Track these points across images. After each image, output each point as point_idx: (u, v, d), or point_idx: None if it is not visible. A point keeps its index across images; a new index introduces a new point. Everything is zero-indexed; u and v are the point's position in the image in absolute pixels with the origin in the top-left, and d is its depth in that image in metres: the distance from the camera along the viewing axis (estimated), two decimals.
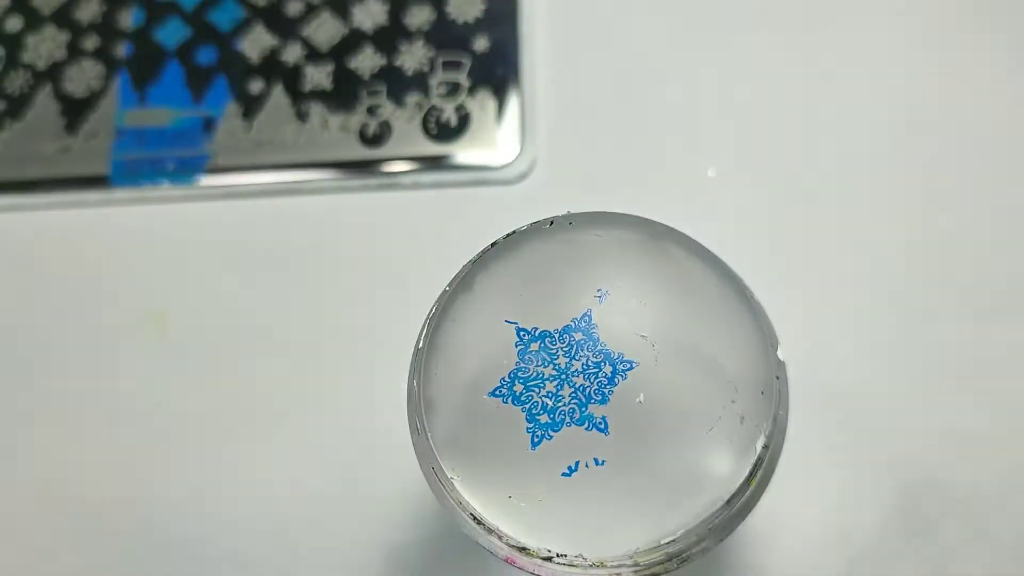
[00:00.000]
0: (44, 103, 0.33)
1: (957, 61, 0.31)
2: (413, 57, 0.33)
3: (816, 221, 0.30)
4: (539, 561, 0.19)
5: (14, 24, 0.34)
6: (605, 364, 0.20)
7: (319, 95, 0.32)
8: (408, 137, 0.32)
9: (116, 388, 0.30)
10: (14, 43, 0.34)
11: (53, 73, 0.34)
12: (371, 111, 0.32)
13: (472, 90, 0.32)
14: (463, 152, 0.31)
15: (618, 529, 0.19)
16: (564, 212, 0.22)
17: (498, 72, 0.32)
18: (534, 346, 0.20)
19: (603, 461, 0.19)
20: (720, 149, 0.31)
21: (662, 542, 0.19)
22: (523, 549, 0.19)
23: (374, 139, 0.32)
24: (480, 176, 0.31)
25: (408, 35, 0.33)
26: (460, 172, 0.31)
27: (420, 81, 0.32)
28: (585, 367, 0.20)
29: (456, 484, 0.20)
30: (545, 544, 0.19)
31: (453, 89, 0.32)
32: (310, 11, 0.34)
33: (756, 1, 0.33)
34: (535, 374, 0.20)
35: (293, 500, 0.28)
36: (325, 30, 0.33)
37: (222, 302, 0.31)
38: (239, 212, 0.32)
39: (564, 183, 0.31)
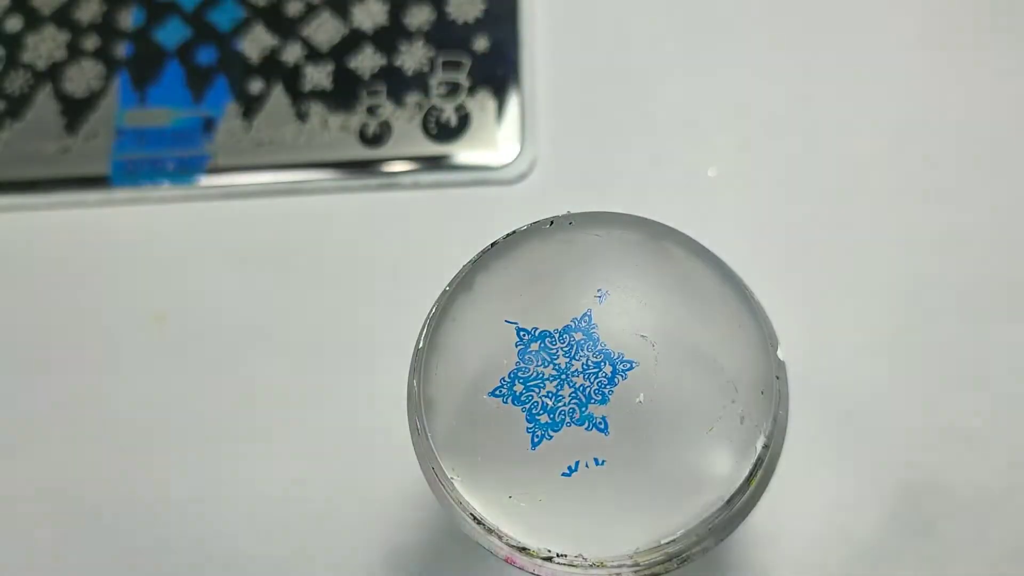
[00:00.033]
0: (44, 103, 0.33)
1: (957, 61, 0.31)
2: (413, 57, 0.33)
3: (816, 221, 0.30)
4: (539, 561, 0.19)
5: (14, 24, 0.34)
6: (605, 364, 0.20)
7: (319, 95, 0.32)
8: (408, 137, 0.32)
9: (116, 388, 0.30)
10: (14, 43, 0.34)
11: (53, 73, 0.34)
12: (371, 111, 0.32)
13: (472, 90, 0.32)
14: (463, 152, 0.31)
15: (618, 529, 0.19)
16: (564, 212, 0.22)
17: (498, 72, 0.32)
18: (534, 346, 0.20)
19: (603, 461, 0.19)
20: (720, 149, 0.31)
21: (662, 542, 0.19)
22: (523, 549, 0.19)
23: (374, 139, 0.32)
24: (480, 176, 0.31)
25: (408, 35, 0.33)
26: (460, 172, 0.31)
27: (420, 81, 0.32)
28: (585, 367, 0.20)
29: (456, 484, 0.20)
30: (545, 544, 0.19)
31: (453, 89, 0.32)
32: (310, 11, 0.34)
33: (757, 1, 0.33)
34: (535, 374, 0.20)
35: (293, 500, 0.28)
36: (325, 30, 0.33)
37: (222, 302, 0.31)
38: (239, 212, 0.32)
39: (564, 183, 0.31)
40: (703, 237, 0.21)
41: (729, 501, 0.19)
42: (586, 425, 0.19)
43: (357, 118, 0.32)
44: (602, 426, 0.19)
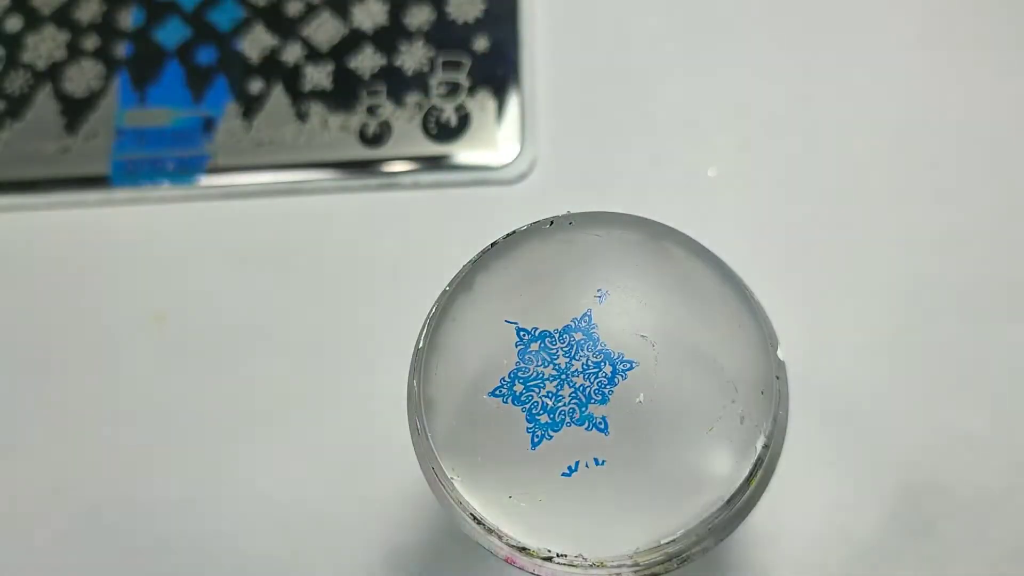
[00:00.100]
0: (44, 103, 0.33)
1: (957, 61, 0.31)
2: (413, 57, 0.33)
3: (816, 221, 0.30)
4: (539, 561, 0.19)
5: (14, 24, 0.34)
6: (605, 364, 0.20)
7: (319, 95, 0.32)
8: (408, 137, 0.32)
9: (116, 388, 0.30)
10: (14, 43, 0.34)
11: (53, 73, 0.34)
12: (371, 111, 0.32)
13: (472, 90, 0.32)
14: (463, 152, 0.31)
15: (618, 529, 0.19)
16: (564, 212, 0.22)
17: (498, 72, 0.32)
18: (534, 346, 0.20)
19: (603, 461, 0.19)
20: (720, 149, 0.31)
21: (662, 542, 0.19)
22: (523, 549, 0.19)
23: (374, 139, 0.32)
24: (480, 176, 0.31)
25: (408, 35, 0.33)
26: (460, 172, 0.31)
27: (420, 81, 0.32)
28: (585, 367, 0.20)
29: (456, 484, 0.20)
30: (545, 544, 0.19)
31: (453, 89, 0.32)
32: (310, 11, 0.34)
33: (757, 1, 0.33)
34: (535, 374, 0.20)
35: (293, 500, 0.28)
36: (325, 30, 0.33)
37: (222, 302, 0.31)
38: (239, 212, 0.32)
39: (564, 183, 0.31)
40: (703, 237, 0.21)
41: (729, 501, 0.19)
42: (586, 425, 0.19)
43: (357, 118, 0.32)
44: (602, 426, 0.19)
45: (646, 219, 0.21)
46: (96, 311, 0.31)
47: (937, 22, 0.32)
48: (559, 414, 0.19)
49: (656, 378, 0.19)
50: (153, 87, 0.33)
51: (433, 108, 0.32)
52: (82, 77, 0.33)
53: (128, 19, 0.34)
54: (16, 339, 0.31)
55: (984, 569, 0.26)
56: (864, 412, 0.28)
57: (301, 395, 0.29)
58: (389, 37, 0.33)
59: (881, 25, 0.32)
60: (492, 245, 0.21)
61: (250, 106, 0.32)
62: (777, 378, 0.20)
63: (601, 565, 0.19)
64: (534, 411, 0.19)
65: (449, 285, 0.21)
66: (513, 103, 0.32)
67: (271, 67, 0.33)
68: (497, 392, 0.20)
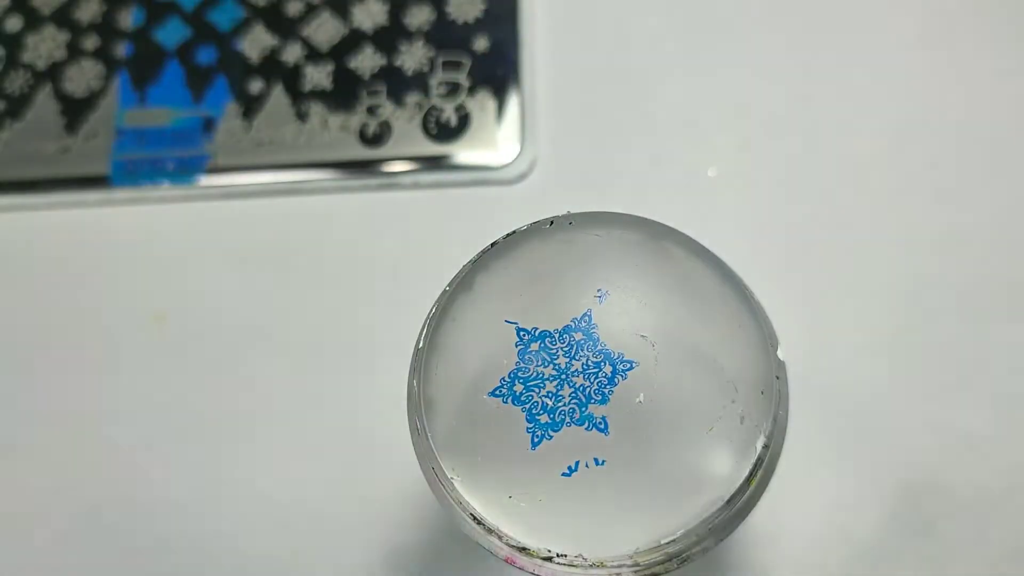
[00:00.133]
0: (44, 103, 0.33)
1: (957, 61, 0.31)
2: (413, 57, 0.33)
3: (816, 221, 0.30)
4: (539, 561, 0.19)
5: (14, 24, 0.34)
6: (605, 364, 0.20)
7: (319, 95, 0.32)
8: (408, 137, 0.32)
9: (116, 388, 0.30)
10: (14, 43, 0.34)
11: (53, 73, 0.34)
12: (371, 111, 0.32)
13: (472, 90, 0.32)
14: (463, 152, 0.31)
15: (618, 529, 0.19)
16: (564, 212, 0.22)
17: (498, 72, 0.32)
18: (534, 346, 0.20)
19: (603, 461, 0.19)
20: (720, 149, 0.31)
21: (662, 542, 0.19)
22: (523, 549, 0.19)
23: (374, 139, 0.32)
24: (480, 176, 0.31)
25: (408, 35, 0.33)
26: (460, 172, 0.31)
27: (420, 81, 0.32)
28: (585, 367, 0.20)
29: (456, 484, 0.20)
30: (545, 544, 0.19)
31: (453, 89, 0.32)
32: (310, 11, 0.34)
33: (757, 1, 0.33)
34: (535, 374, 0.20)
35: (293, 500, 0.28)
36: (325, 30, 0.33)
37: (222, 302, 0.31)
38: (239, 212, 0.32)
39: (564, 183, 0.31)
40: (703, 237, 0.21)
41: (729, 501, 0.19)
42: (586, 425, 0.19)
43: (357, 118, 0.32)
44: (602, 426, 0.19)
45: (646, 219, 0.21)
46: (96, 311, 0.31)
47: (937, 22, 0.32)
48: (559, 414, 0.19)
49: (656, 378, 0.19)
50: (153, 87, 0.33)
51: (433, 108, 0.32)
52: (82, 77, 0.33)
53: (128, 19, 0.34)
54: (16, 339, 0.31)
55: (984, 569, 0.26)
56: (864, 412, 0.28)
57: (301, 395, 0.29)
58: (389, 37, 0.33)
59: (881, 25, 0.32)
60: (492, 245, 0.21)
61: (250, 106, 0.32)
62: (777, 378, 0.20)
63: (601, 565, 0.19)
64: (534, 411, 0.19)
65: (449, 285, 0.21)
66: (513, 103, 0.32)
67: (271, 67, 0.33)
68: (497, 392, 0.20)
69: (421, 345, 0.21)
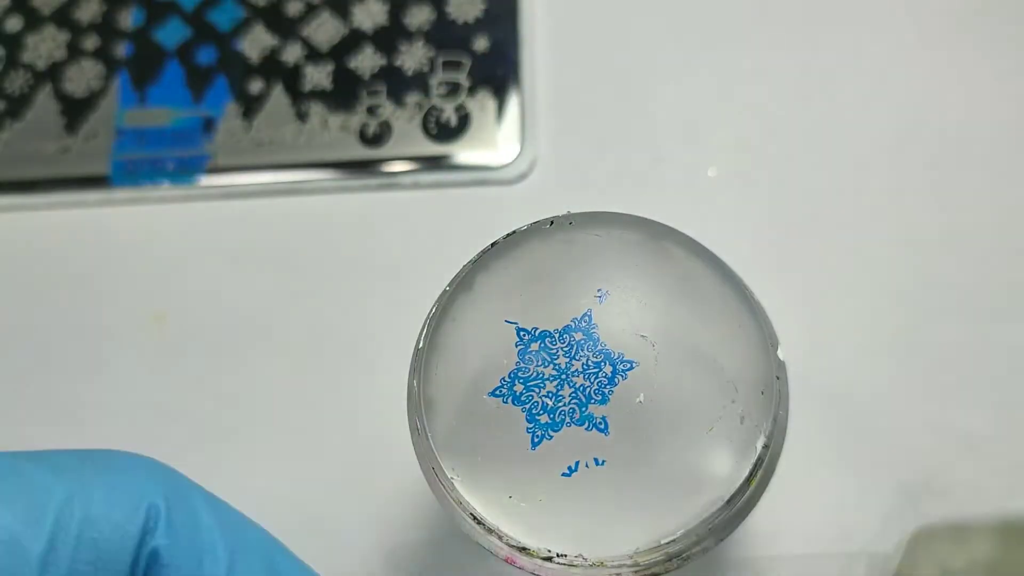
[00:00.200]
0: (44, 103, 0.33)
1: (957, 61, 0.31)
2: (413, 57, 0.33)
3: (816, 221, 0.30)
4: (539, 561, 0.19)
5: (14, 24, 0.34)
6: (605, 364, 0.20)
7: (319, 95, 0.32)
8: (408, 137, 0.32)
9: (116, 388, 0.30)
10: (14, 43, 0.34)
11: (53, 73, 0.34)
12: (371, 111, 0.32)
13: (472, 90, 0.32)
14: (463, 152, 0.31)
15: (618, 529, 0.19)
16: (564, 212, 0.22)
17: (498, 72, 0.32)
18: (534, 346, 0.20)
19: (603, 461, 0.19)
20: (720, 149, 0.31)
21: (662, 542, 0.19)
22: (523, 549, 0.19)
23: (374, 139, 0.32)
24: (480, 176, 0.31)
25: (408, 35, 0.33)
26: (460, 172, 0.31)
27: (420, 81, 0.32)
28: (585, 367, 0.20)
29: (456, 484, 0.20)
30: (545, 544, 0.19)
31: (453, 89, 0.32)
32: (310, 11, 0.34)
33: (756, 1, 0.33)
34: (535, 374, 0.20)
35: (293, 500, 0.28)
36: (325, 30, 0.33)
37: (222, 302, 0.31)
38: (239, 212, 0.32)
39: (564, 183, 0.31)
40: (703, 237, 0.21)
41: (729, 501, 0.19)
42: (586, 425, 0.19)
43: (357, 118, 0.32)
44: (602, 426, 0.19)
45: (646, 219, 0.21)
46: (96, 311, 0.31)
47: (937, 22, 0.32)
48: (559, 414, 0.19)
49: (656, 378, 0.19)
50: (153, 87, 0.33)
51: (433, 108, 0.32)
52: (82, 77, 0.33)
53: (128, 19, 0.34)
54: (16, 339, 0.31)
55: None
56: (864, 412, 0.28)
57: (301, 395, 0.29)
58: (389, 37, 0.33)
59: (881, 25, 0.32)
60: (492, 245, 0.21)
61: (250, 106, 0.32)
62: (777, 378, 0.20)
63: (601, 565, 0.19)
64: (534, 411, 0.19)
65: (449, 285, 0.21)
66: (513, 103, 0.32)
67: (271, 67, 0.33)
68: (497, 392, 0.20)
69: (421, 345, 0.21)
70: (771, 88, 0.31)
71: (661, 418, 0.19)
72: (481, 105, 0.32)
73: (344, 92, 0.32)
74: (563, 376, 0.20)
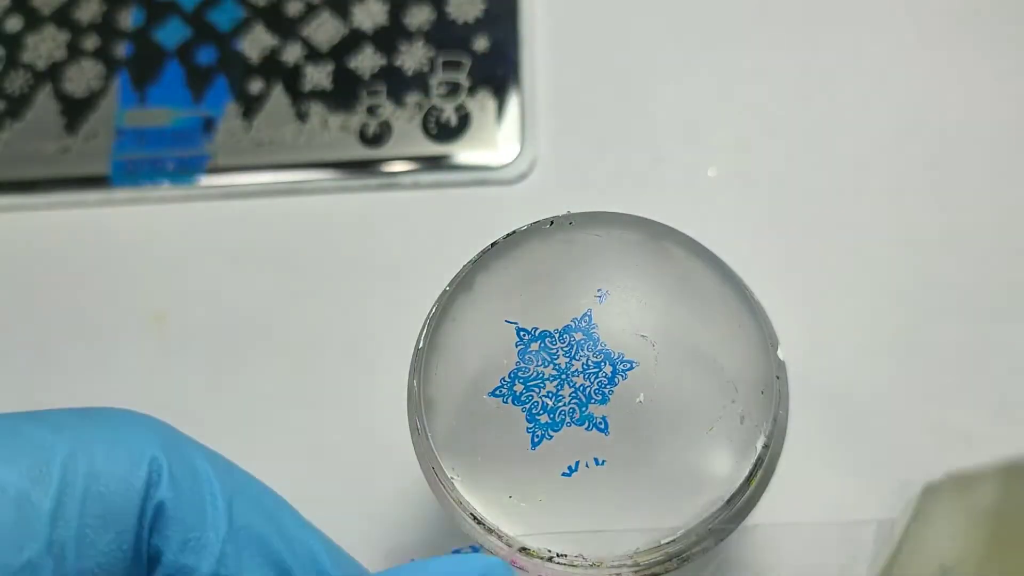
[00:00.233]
0: (44, 103, 0.33)
1: (957, 61, 0.31)
2: (413, 57, 0.33)
3: (816, 221, 0.30)
4: (540, 561, 0.19)
5: (14, 24, 0.34)
6: (605, 364, 0.20)
7: (319, 95, 0.32)
8: (408, 137, 0.32)
9: (116, 388, 0.30)
10: (14, 43, 0.34)
11: (53, 73, 0.34)
12: (371, 111, 0.32)
13: (472, 90, 0.32)
14: (463, 152, 0.31)
15: (618, 529, 0.19)
16: (564, 212, 0.22)
17: (498, 72, 0.32)
18: (534, 346, 0.20)
19: (603, 461, 0.19)
20: (720, 149, 0.31)
21: (662, 542, 0.19)
22: (523, 549, 0.19)
23: (374, 139, 0.32)
24: (480, 176, 0.31)
25: (408, 35, 0.33)
26: (460, 172, 0.31)
27: (420, 81, 0.32)
28: (585, 367, 0.20)
29: (456, 484, 0.20)
30: (545, 544, 0.19)
31: (453, 89, 0.32)
32: (310, 11, 0.34)
33: (756, 1, 0.33)
34: (535, 374, 0.20)
35: (293, 500, 0.28)
36: (325, 30, 0.33)
37: (222, 302, 0.31)
38: (239, 212, 0.32)
39: (564, 183, 0.31)
40: (703, 237, 0.21)
41: (729, 501, 0.19)
42: (586, 425, 0.19)
43: (357, 118, 0.32)
44: (602, 426, 0.19)
45: (646, 219, 0.21)
46: (96, 311, 0.31)
47: (937, 22, 0.32)
48: (559, 414, 0.19)
49: (656, 378, 0.19)
50: (153, 87, 0.33)
51: (433, 108, 0.32)
52: (82, 77, 0.33)
53: (128, 19, 0.34)
54: (16, 339, 0.31)
55: None
56: (864, 412, 0.28)
57: (301, 395, 0.29)
58: (389, 37, 0.33)
59: (881, 25, 0.32)
60: (492, 245, 0.21)
61: (250, 106, 0.32)
62: (777, 378, 0.20)
63: (601, 565, 0.19)
64: (534, 411, 0.19)
65: (449, 285, 0.21)
66: (513, 103, 0.32)
67: (271, 67, 0.33)
68: (497, 392, 0.20)
69: (421, 345, 0.21)
70: (771, 88, 0.31)
71: (661, 418, 0.19)
72: (481, 105, 0.32)
73: (344, 92, 0.32)
74: (563, 376, 0.20)
